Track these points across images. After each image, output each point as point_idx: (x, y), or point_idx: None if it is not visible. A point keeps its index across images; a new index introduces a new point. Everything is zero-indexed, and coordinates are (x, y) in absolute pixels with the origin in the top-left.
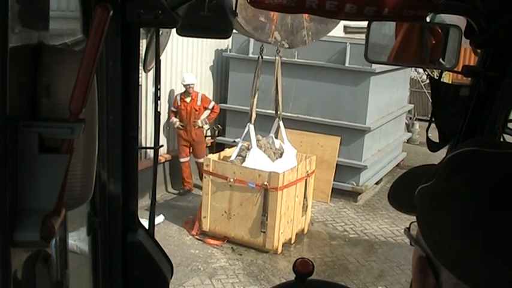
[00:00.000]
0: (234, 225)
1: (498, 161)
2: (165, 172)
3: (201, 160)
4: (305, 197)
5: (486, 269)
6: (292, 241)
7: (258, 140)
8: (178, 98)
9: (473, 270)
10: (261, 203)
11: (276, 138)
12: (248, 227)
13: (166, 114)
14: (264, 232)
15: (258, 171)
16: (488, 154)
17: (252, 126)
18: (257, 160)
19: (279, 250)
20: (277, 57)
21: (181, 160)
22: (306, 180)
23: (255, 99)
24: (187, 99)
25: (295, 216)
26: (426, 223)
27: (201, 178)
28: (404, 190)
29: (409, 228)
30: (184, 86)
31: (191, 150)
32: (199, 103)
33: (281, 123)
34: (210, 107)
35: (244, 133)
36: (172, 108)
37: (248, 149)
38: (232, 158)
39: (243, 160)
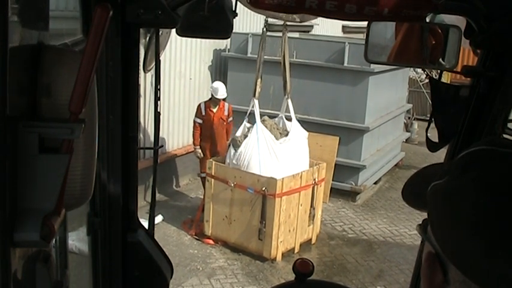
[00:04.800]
0: (234, 230)
1: (509, 161)
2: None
3: None
4: (312, 205)
5: (492, 267)
6: (296, 250)
7: (264, 121)
8: (202, 106)
9: (480, 269)
10: (260, 209)
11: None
12: (247, 234)
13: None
14: (262, 240)
15: (257, 176)
16: (501, 154)
17: (256, 101)
18: (260, 136)
19: (278, 259)
20: (285, 33)
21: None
22: (314, 188)
23: (260, 74)
24: (214, 109)
25: (300, 225)
26: (436, 220)
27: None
28: (418, 187)
29: (420, 225)
30: (215, 99)
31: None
32: (226, 112)
33: (289, 101)
34: (229, 120)
35: (248, 110)
36: (197, 119)
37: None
38: (238, 134)
39: (246, 137)
